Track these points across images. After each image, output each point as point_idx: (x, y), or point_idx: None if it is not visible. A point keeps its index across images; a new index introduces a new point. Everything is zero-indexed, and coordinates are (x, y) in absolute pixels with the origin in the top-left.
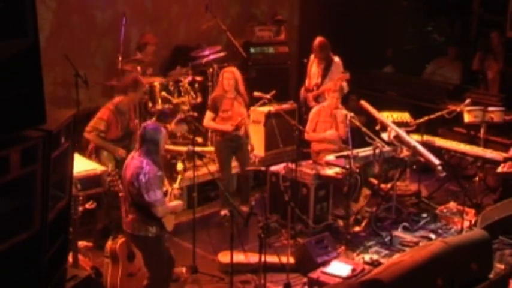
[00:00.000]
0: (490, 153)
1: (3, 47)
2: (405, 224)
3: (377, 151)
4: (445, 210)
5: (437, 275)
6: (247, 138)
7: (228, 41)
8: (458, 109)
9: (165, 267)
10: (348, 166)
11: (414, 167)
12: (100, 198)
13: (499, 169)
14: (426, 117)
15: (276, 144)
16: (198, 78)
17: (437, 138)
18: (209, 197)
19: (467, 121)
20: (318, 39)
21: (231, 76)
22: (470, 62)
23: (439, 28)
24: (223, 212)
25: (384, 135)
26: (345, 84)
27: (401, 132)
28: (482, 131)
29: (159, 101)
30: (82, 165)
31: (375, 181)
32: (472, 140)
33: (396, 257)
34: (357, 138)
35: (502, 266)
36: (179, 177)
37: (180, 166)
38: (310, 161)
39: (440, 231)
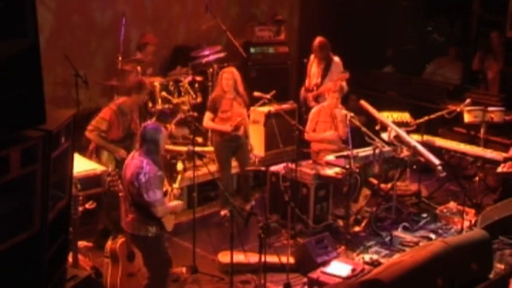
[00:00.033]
0: (490, 153)
1: (3, 47)
2: (405, 224)
3: (377, 151)
4: (445, 210)
5: (437, 275)
6: (247, 138)
7: (228, 41)
8: (458, 109)
9: (165, 267)
10: (348, 166)
11: (414, 167)
12: (100, 198)
13: (499, 169)
14: (426, 117)
15: (276, 144)
16: (198, 78)
17: (437, 138)
18: (209, 197)
19: (467, 121)
20: (318, 39)
21: (230, 76)
22: (470, 62)
23: (439, 28)
24: (223, 212)
25: (384, 135)
26: (344, 84)
27: (401, 132)
28: (482, 131)
29: (159, 101)
30: (82, 165)
31: (375, 181)
32: (472, 140)
33: (396, 257)
34: (357, 138)
35: (502, 266)
36: (179, 177)
37: (180, 166)
38: (310, 161)
39: (440, 231)
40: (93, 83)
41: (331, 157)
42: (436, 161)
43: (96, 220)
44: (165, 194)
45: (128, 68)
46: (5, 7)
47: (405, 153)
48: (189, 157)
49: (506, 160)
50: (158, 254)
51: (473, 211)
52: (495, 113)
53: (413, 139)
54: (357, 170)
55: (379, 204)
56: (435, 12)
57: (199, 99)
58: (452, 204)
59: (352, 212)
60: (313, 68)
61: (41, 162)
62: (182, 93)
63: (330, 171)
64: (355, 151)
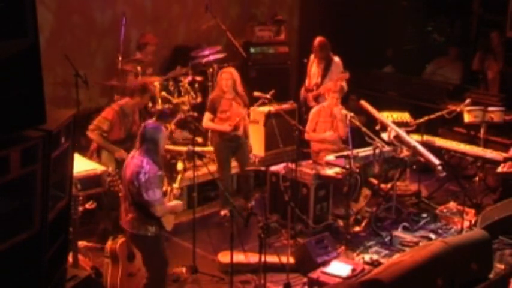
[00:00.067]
0: (490, 153)
1: (3, 47)
2: (405, 224)
3: (377, 151)
4: (445, 210)
5: (437, 275)
6: (247, 138)
7: (228, 41)
8: (458, 109)
9: (165, 267)
10: (348, 166)
11: (414, 167)
12: (100, 198)
13: (499, 169)
14: (426, 117)
15: (276, 144)
16: (198, 78)
17: (437, 138)
18: (209, 197)
19: (467, 121)
20: (318, 39)
21: (229, 77)
22: (470, 62)
23: (439, 28)
24: (223, 212)
25: (384, 135)
26: (344, 84)
27: (401, 132)
28: (482, 131)
29: (159, 101)
30: (82, 165)
31: (375, 181)
32: (472, 140)
33: (396, 257)
34: (357, 138)
35: (502, 266)
36: (179, 177)
37: (180, 166)
38: (310, 161)
39: (440, 231)
40: (93, 83)
41: (331, 157)
42: (436, 161)
43: (97, 220)
44: (164, 193)
45: (128, 68)
46: (5, 7)
47: (405, 153)
48: (189, 157)
49: (506, 160)
50: (158, 253)
51: (473, 211)
52: (495, 113)
53: (413, 139)
54: (357, 170)
55: (379, 204)
56: (435, 12)
57: (199, 99)
58: (452, 204)
59: (352, 212)
60: (313, 67)
61: (41, 162)
62: (182, 93)
63: (330, 171)
64: (355, 151)
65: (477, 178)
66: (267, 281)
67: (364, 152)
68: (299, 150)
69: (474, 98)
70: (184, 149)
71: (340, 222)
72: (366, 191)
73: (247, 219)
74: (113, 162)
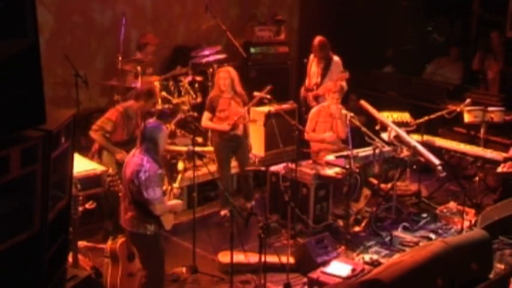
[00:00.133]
0: (490, 153)
1: (3, 47)
2: (405, 224)
3: (377, 151)
4: (445, 210)
5: (437, 275)
6: (247, 138)
7: (228, 41)
8: (458, 109)
9: (163, 266)
10: (348, 166)
11: (414, 167)
12: (100, 198)
13: (499, 169)
14: (426, 117)
15: (276, 144)
16: (198, 78)
17: (437, 138)
18: (209, 197)
19: (467, 121)
20: (318, 39)
21: (226, 76)
22: (470, 62)
23: (439, 28)
24: (223, 212)
25: (384, 135)
26: (344, 83)
27: (401, 132)
28: (482, 131)
29: (159, 101)
30: (82, 165)
31: (375, 181)
32: (472, 140)
33: (396, 257)
34: (357, 138)
35: (502, 266)
36: (179, 176)
37: (181, 165)
38: (310, 161)
39: (440, 231)
40: (93, 83)
41: (331, 157)
42: (436, 161)
43: (97, 220)
44: (164, 193)
45: (128, 68)
46: (5, 7)
47: (405, 153)
48: (189, 157)
49: (506, 160)
50: (156, 252)
51: (473, 211)
52: (495, 113)
53: (413, 139)
54: (357, 170)
55: (379, 204)
56: (435, 12)
57: (199, 99)
58: (452, 204)
59: (352, 212)
60: (313, 67)
61: (41, 162)
62: (182, 93)
63: (330, 171)
64: (355, 151)
65: (477, 178)
66: (267, 281)
67: (364, 152)
68: (299, 150)
69: (474, 98)
70: (184, 149)
71: (340, 222)
72: (366, 191)
73: (247, 219)
74: (113, 164)
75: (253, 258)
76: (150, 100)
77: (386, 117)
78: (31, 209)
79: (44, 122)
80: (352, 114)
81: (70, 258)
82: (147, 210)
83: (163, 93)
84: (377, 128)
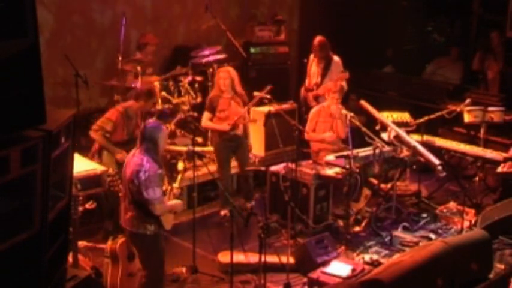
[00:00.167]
0: (490, 153)
1: (3, 47)
2: (405, 224)
3: (377, 151)
4: (445, 210)
5: (437, 275)
6: (247, 137)
7: (228, 41)
8: (458, 109)
9: (163, 266)
10: (348, 166)
11: (414, 167)
12: (100, 198)
13: (499, 169)
14: (426, 117)
15: (276, 144)
16: (198, 78)
17: (437, 138)
18: (209, 197)
19: (467, 121)
20: (318, 39)
21: (226, 76)
22: (470, 62)
23: (439, 28)
24: (223, 212)
25: (384, 135)
26: (344, 83)
27: (401, 132)
28: (482, 131)
29: (159, 101)
30: (82, 165)
31: (375, 181)
32: (472, 140)
33: (396, 257)
34: (357, 138)
35: (502, 266)
36: (179, 176)
37: (181, 165)
38: (310, 161)
39: (440, 231)
40: (93, 83)
41: (331, 157)
42: (436, 161)
43: (97, 220)
44: (164, 193)
45: (128, 68)
46: (5, 7)
47: (405, 153)
48: (189, 157)
49: (506, 160)
50: (156, 252)
51: (473, 211)
52: (495, 113)
53: (413, 139)
54: (357, 170)
55: (379, 204)
56: (435, 12)
57: (199, 99)
58: (452, 204)
59: (352, 212)
60: (313, 67)
61: (41, 162)
62: (182, 93)
63: (330, 171)
64: (355, 151)
65: (477, 178)
66: (267, 281)
67: (364, 152)
68: (299, 150)
69: (474, 98)
70: (184, 149)
71: (340, 222)
72: (366, 191)
73: (247, 219)
74: (113, 164)
75: (253, 258)
76: (150, 100)
77: (387, 117)
78: (31, 209)
79: (44, 122)
80: (352, 114)
81: (70, 258)
82: (147, 210)
83: (163, 93)
84: (377, 128)
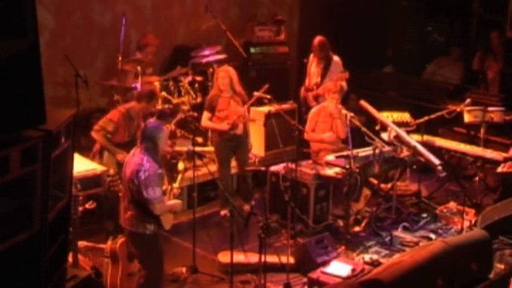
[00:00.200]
0: (490, 153)
1: (3, 47)
2: (405, 224)
3: (377, 151)
4: (445, 210)
5: (437, 275)
6: (247, 136)
7: (228, 41)
8: (458, 109)
9: (162, 266)
10: (348, 166)
11: (414, 167)
12: (100, 198)
13: (499, 169)
14: (426, 117)
15: (276, 144)
16: (198, 78)
17: (437, 138)
18: (209, 197)
19: (467, 121)
20: (318, 38)
21: (225, 75)
22: (470, 62)
23: (439, 28)
24: (223, 212)
25: (384, 135)
26: (344, 84)
27: (401, 132)
28: (482, 131)
29: (159, 101)
30: (82, 165)
31: (375, 181)
32: (472, 140)
33: (396, 257)
34: (357, 138)
35: (502, 266)
36: (179, 176)
37: (181, 165)
38: (310, 161)
39: (440, 231)
40: (93, 83)
41: (331, 157)
42: (436, 161)
43: (97, 220)
44: (164, 193)
45: (128, 68)
46: (5, 7)
47: (405, 153)
48: (189, 157)
49: (506, 160)
50: (155, 252)
51: (473, 211)
52: (495, 113)
53: (413, 139)
54: (357, 170)
55: (379, 204)
56: (435, 12)
57: (199, 99)
58: (452, 204)
59: (352, 212)
60: (313, 67)
61: (41, 162)
62: (182, 93)
63: (330, 171)
64: (355, 151)
65: (477, 178)
66: (267, 281)
67: (364, 152)
68: (299, 150)
69: (474, 98)
70: (184, 149)
71: (340, 222)
72: (366, 191)
73: (247, 219)
74: (114, 165)
75: (253, 258)
76: (152, 101)
77: (387, 117)
78: (31, 209)
79: (44, 122)
80: (352, 114)
81: (70, 258)
82: (147, 209)
83: (163, 93)
84: (377, 128)
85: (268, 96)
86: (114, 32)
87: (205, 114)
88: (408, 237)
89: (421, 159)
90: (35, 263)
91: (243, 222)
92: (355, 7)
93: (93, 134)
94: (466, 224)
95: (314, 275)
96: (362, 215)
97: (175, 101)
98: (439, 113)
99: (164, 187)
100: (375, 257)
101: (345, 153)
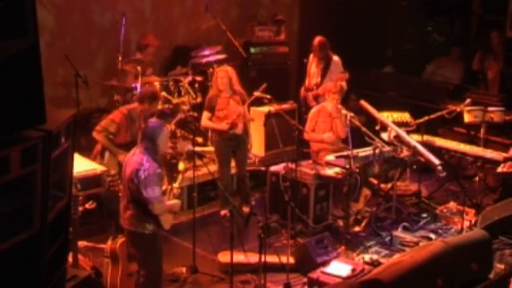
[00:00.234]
0: (490, 153)
1: (3, 47)
2: (405, 224)
3: (377, 151)
4: (445, 210)
5: (437, 275)
6: (248, 136)
7: (228, 41)
8: (458, 109)
9: (161, 266)
10: (348, 166)
11: (414, 167)
12: (100, 198)
13: (499, 169)
14: (426, 117)
15: (276, 144)
16: (198, 78)
17: (437, 138)
18: (209, 197)
19: (467, 121)
20: (318, 39)
21: (224, 75)
22: (470, 62)
23: (439, 28)
24: (223, 212)
25: (384, 135)
26: (344, 84)
27: (401, 132)
28: (482, 131)
29: (159, 101)
30: (82, 165)
31: (375, 181)
32: (472, 140)
33: (396, 257)
34: (357, 138)
35: (502, 266)
36: (180, 176)
37: (181, 165)
38: (310, 161)
39: (440, 231)
40: (93, 83)
41: (331, 157)
42: (436, 161)
43: (96, 220)
44: (164, 193)
45: (128, 68)
46: (5, 7)
47: (405, 153)
48: (189, 157)
49: (506, 160)
50: (155, 252)
51: (473, 211)
52: (495, 113)
53: (413, 139)
54: (357, 170)
55: (379, 204)
56: (435, 12)
57: (199, 99)
58: (452, 204)
59: (352, 212)
60: (313, 67)
61: (41, 162)
62: (182, 93)
63: (330, 171)
64: (355, 151)
65: (477, 178)
66: (267, 281)
67: (364, 152)
68: (299, 150)
69: (474, 98)
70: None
71: (340, 222)
72: (366, 191)
73: (247, 219)
74: (116, 165)
75: (253, 258)
76: (154, 103)
77: (387, 117)
78: (31, 209)
79: (44, 122)
80: (352, 114)
81: (70, 258)
82: (146, 209)
83: (164, 93)
84: (377, 128)
85: (268, 96)
86: (114, 32)
87: (205, 114)
88: (408, 237)
89: (421, 159)
90: (35, 263)
91: (243, 222)
92: (355, 7)
93: (95, 135)
94: (466, 224)
95: (314, 275)
96: (362, 215)
97: (175, 101)
98: (439, 113)
99: (164, 187)
100: (375, 257)
101: (345, 153)
